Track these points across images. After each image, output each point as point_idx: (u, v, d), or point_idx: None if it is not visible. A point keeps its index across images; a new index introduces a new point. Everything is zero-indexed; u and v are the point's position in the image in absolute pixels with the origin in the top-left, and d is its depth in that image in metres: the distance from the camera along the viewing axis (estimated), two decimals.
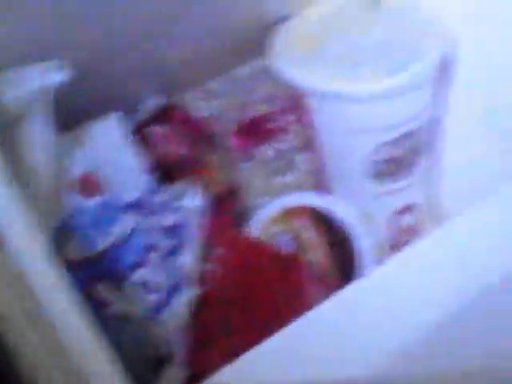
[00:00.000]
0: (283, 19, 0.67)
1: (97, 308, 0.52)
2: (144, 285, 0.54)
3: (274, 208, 0.68)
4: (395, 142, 0.63)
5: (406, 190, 0.68)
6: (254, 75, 0.73)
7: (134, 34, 0.57)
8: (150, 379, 0.52)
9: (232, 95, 0.73)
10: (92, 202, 0.53)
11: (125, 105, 0.61)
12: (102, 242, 0.53)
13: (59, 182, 0.51)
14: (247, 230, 0.66)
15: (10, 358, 0.37)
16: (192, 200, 0.59)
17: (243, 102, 0.73)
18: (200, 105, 0.72)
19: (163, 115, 0.68)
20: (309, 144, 0.69)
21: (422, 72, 0.61)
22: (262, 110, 0.73)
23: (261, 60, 0.70)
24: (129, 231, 0.54)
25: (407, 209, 0.70)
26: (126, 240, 0.54)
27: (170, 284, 0.55)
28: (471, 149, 0.67)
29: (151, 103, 0.68)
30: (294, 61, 0.62)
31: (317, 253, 0.67)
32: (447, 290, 0.40)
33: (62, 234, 0.51)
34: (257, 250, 0.61)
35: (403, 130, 0.63)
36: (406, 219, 0.70)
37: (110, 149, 0.58)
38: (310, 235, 0.68)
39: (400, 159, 0.65)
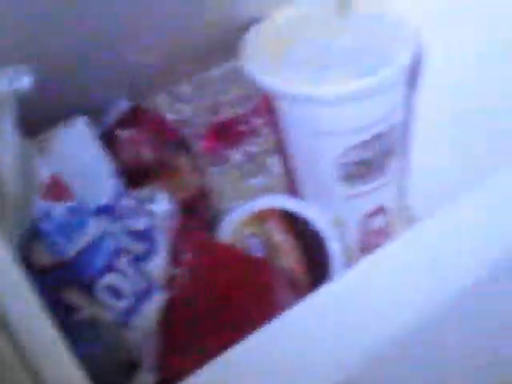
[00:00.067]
0: (255, 21, 0.67)
1: (66, 313, 0.51)
2: (114, 289, 0.53)
3: (245, 211, 0.68)
4: (365, 145, 0.63)
5: (376, 192, 0.68)
6: (224, 77, 0.73)
7: (102, 36, 0.57)
8: None
9: (202, 98, 0.73)
10: (60, 207, 0.52)
11: (93, 108, 0.61)
12: (71, 247, 0.52)
13: (26, 187, 0.50)
14: (218, 233, 0.66)
15: None
16: (161, 204, 0.59)
17: (214, 105, 0.73)
18: (170, 108, 0.71)
19: (132, 118, 0.67)
20: (280, 147, 0.69)
21: (391, 76, 0.61)
22: (232, 112, 0.73)
23: (232, 62, 0.70)
24: (98, 236, 0.53)
25: (378, 211, 0.70)
26: (94, 245, 0.53)
27: (139, 288, 0.54)
28: (439, 151, 0.67)
29: (120, 106, 0.67)
30: (264, 63, 0.63)
31: (288, 256, 0.67)
32: (418, 293, 0.40)
33: (29, 240, 0.50)
34: (227, 254, 0.61)
35: (373, 132, 0.63)
36: (377, 221, 0.71)
37: (78, 153, 0.57)
38: (281, 238, 0.68)
39: (370, 161, 0.65)
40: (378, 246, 0.43)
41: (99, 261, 0.53)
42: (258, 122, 0.72)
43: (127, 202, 0.58)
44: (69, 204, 0.52)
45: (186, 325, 0.54)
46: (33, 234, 0.51)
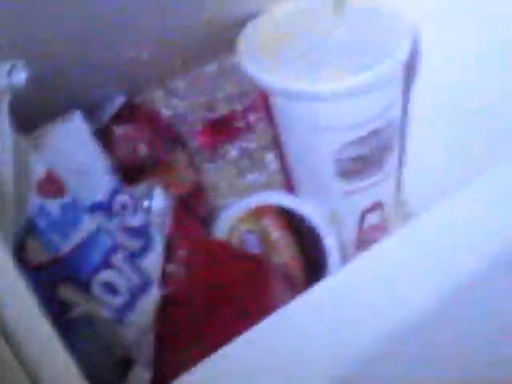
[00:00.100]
0: (252, 16, 0.67)
1: (62, 310, 0.51)
2: (109, 286, 0.53)
3: (241, 208, 0.68)
4: (362, 141, 0.63)
5: (373, 188, 0.68)
6: (220, 73, 0.73)
7: (98, 31, 0.56)
8: (116, 381, 0.51)
9: (198, 94, 0.73)
10: (55, 203, 0.52)
11: (88, 104, 0.61)
12: (66, 244, 0.52)
13: (21, 183, 0.50)
14: (214, 230, 0.66)
15: None
16: (157, 200, 0.59)
17: (209, 101, 0.72)
18: (165, 103, 0.71)
19: (128, 114, 0.67)
20: (276, 143, 0.69)
21: (388, 71, 0.61)
22: (228, 108, 0.73)
23: (228, 58, 0.70)
24: (93, 232, 0.53)
25: (375, 207, 0.70)
26: (90, 241, 0.53)
27: (135, 285, 0.54)
28: (436, 148, 0.67)
29: (115, 102, 0.67)
30: (259, 59, 0.62)
31: (284, 252, 0.67)
32: (415, 289, 0.40)
33: (24, 236, 0.50)
34: (223, 251, 0.61)
35: (370, 128, 0.63)
36: (374, 217, 0.71)
37: (74, 149, 0.57)
38: (278, 235, 0.68)
39: (367, 157, 0.65)
40: (374, 241, 0.43)
41: (95, 257, 0.53)
42: (254, 118, 0.72)
43: (123, 199, 0.58)
44: (64, 200, 0.52)
45: (182, 321, 0.54)
46: (27, 230, 0.51)
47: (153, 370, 0.52)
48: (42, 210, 0.51)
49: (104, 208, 0.56)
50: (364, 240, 0.71)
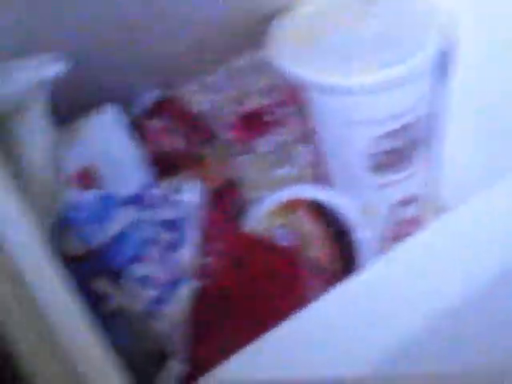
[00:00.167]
0: (281, 10, 0.67)
1: (96, 303, 0.51)
2: (143, 279, 0.54)
3: (273, 201, 0.68)
4: (395, 134, 0.63)
5: (406, 181, 0.68)
6: (252, 67, 0.73)
7: (131, 25, 0.57)
8: (151, 374, 0.52)
9: (230, 88, 0.73)
10: (90, 197, 0.52)
11: (121, 98, 0.61)
12: (101, 237, 0.53)
13: (57, 176, 0.50)
14: (246, 223, 0.66)
15: (8, 357, 0.36)
16: (190, 194, 0.59)
17: (241, 95, 0.72)
18: (198, 98, 0.71)
19: (160, 109, 0.67)
20: (308, 136, 0.69)
21: (420, 64, 0.60)
22: (260, 102, 0.73)
23: (259, 52, 0.70)
24: (127, 225, 0.54)
25: (408, 200, 0.70)
26: (124, 234, 0.53)
27: (169, 278, 0.55)
28: (469, 141, 0.67)
29: (148, 97, 0.67)
30: (291, 53, 0.62)
31: (317, 246, 0.67)
32: (449, 282, 0.40)
33: (59, 229, 0.51)
34: (256, 244, 0.61)
35: (402, 121, 0.62)
36: (407, 211, 0.70)
37: (108, 142, 0.57)
38: (310, 228, 0.68)
39: (400, 150, 0.64)
40: (408, 235, 0.43)
41: (128, 250, 0.53)
42: (285, 111, 0.72)
43: (156, 192, 0.58)
44: (98, 194, 0.53)
45: (215, 314, 0.54)
46: (63, 224, 0.51)
47: (187, 362, 0.52)
48: (76, 202, 0.51)
49: (138, 201, 0.57)
50: (397, 233, 0.70)
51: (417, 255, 0.42)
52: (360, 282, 0.41)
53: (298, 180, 0.71)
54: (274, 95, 0.72)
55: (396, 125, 0.62)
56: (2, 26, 0.48)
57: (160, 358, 0.53)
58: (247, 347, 0.38)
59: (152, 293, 0.54)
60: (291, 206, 0.68)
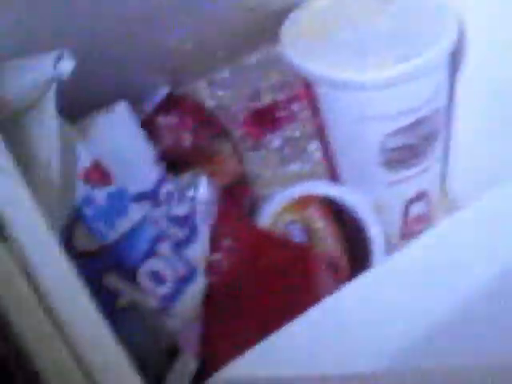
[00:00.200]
0: (295, 5, 0.67)
1: (107, 299, 0.52)
2: (155, 275, 0.54)
3: (285, 197, 0.68)
4: (407, 129, 0.62)
5: (418, 178, 0.67)
6: (263, 63, 0.73)
7: (141, 21, 0.57)
8: (162, 370, 0.52)
9: (241, 84, 0.73)
10: (101, 193, 0.52)
11: (133, 95, 0.61)
12: (113, 233, 0.53)
13: (68, 172, 0.50)
14: (257, 219, 0.66)
15: (18, 352, 0.37)
16: (202, 190, 0.59)
17: (253, 91, 0.72)
18: (209, 94, 0.71)
19: (172, 105, 0.67)
20: (320, 132, 0.68)
21: (434, 59, 0.60)
22: (271, 98, 0.72)
23: (271, 48, 0.70)
24: (139, 221, 0.54)
25: (420, 196, 0.69)
26: (136, 230, 0.53)
27: (180, 274, 0.55)
28: (480, 136, 0.66)
29: (159, 93, 0.67)
30: (304, 48, 0.62)
31: (328, 242, 0.67)
32: (461, 278, 0.40)
33: (71, 225, 0.51)
34: (267, 240, 0.61)
35: (415, 116, 0.62)
36: (419, 207, 0.70)
37: (119, 138, 0.57)
38: (322, 224, 0.67)
39: (413, 146, 0.64)
40: (419, 232, 0.43)
41: (140, 246, 0.53)
42: (297, 107, 0.72)
43: (168, 188, 0.58)
44: (110, 189, 0.53)
45: (228, 310, 0.54)
46: (74, 218, 0.51)
47: (199, 358, 0.52)
48: (88, 198, 0.51)
49: (150, 197, 0.57)
50: (409, 230, 0.70)
51: (429, 252, 0.42)
52: (372, 278, 0.41)
53: (310, 176, 0.71)
54: (286, 91, 0.72)
55: (409, 120, 0.62)
56: (2, 26, 0.48)
57: (172, 353, 0.53)
58: (259, 344, 0.38)
59: (164, 289, 0.54)
60: (303, 202, 0.68)
